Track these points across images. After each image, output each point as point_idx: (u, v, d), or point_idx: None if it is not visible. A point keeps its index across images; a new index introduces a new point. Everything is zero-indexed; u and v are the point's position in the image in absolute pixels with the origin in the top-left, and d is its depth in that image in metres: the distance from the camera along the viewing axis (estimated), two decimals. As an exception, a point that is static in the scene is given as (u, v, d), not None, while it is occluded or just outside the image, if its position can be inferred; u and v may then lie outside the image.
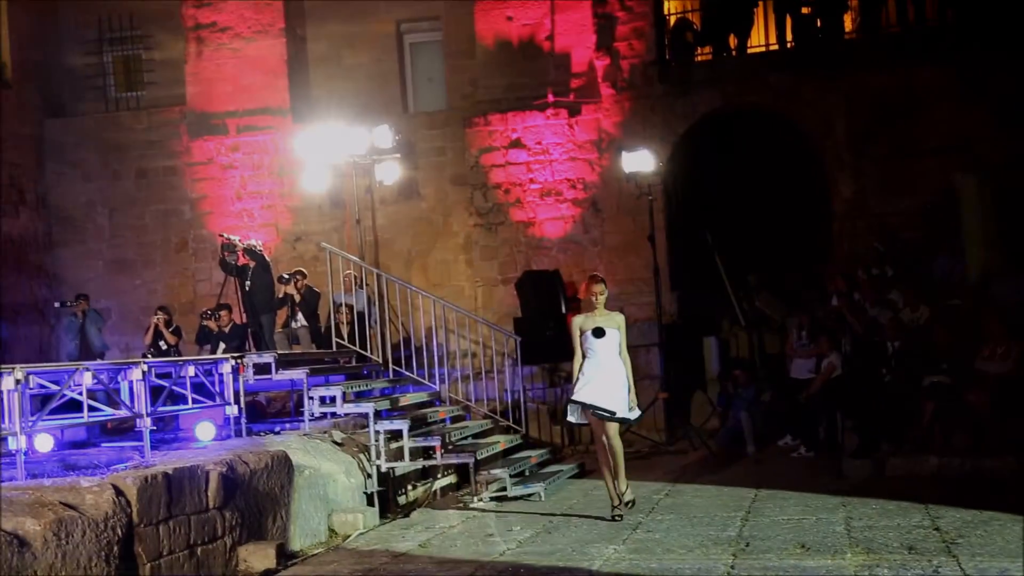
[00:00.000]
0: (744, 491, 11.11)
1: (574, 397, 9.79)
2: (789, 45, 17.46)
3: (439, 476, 12.63)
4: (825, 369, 13.77)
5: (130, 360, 11.31)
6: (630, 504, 10.03)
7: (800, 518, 9.47)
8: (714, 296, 17.30)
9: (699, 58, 17.94)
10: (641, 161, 15.62)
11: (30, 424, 8.63)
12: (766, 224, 17.46)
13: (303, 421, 12.21)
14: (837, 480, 11.61)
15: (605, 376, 9.70)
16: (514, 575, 8.00)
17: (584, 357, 9.84)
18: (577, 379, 9.82)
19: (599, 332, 9.72)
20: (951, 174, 15.69)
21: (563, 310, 16.74)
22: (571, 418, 10.02)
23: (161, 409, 10.44)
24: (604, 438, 9.80)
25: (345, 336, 14.26)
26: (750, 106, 17.27)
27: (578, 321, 9.95)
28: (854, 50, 16.91)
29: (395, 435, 11.98)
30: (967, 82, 16.12)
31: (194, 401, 10.96)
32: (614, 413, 9.68)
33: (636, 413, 9.96)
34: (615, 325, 9.83)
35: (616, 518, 9.77)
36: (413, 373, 14.24)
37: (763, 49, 17.83)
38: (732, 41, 17.78)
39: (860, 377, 13.25)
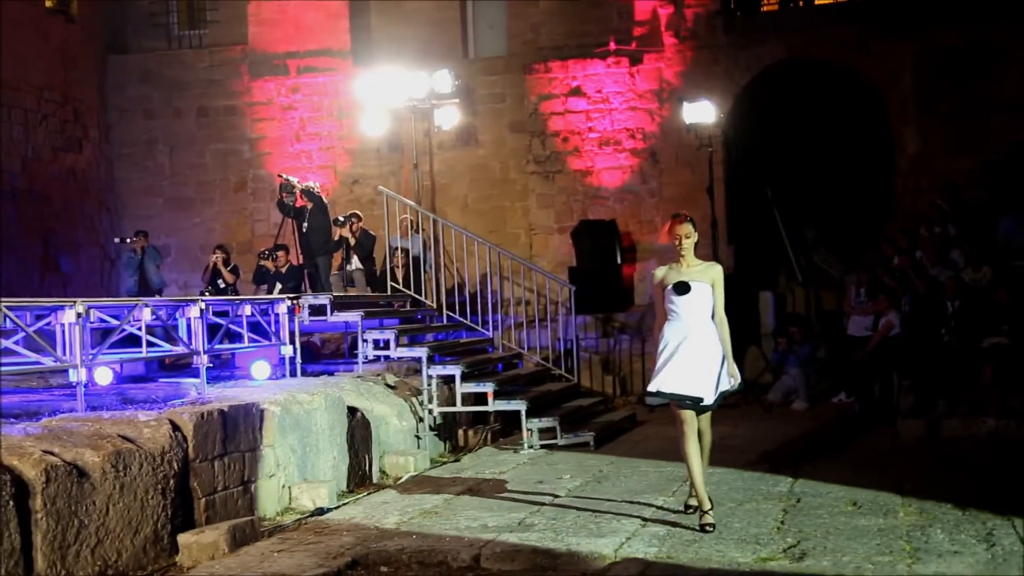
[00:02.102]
0: (796, 447, 11.05)
1: (651, 387, 7.57)
2: (857, -3, 17.14)
3: (490, 422, 12.67)
4: (882, 327, 13.62)
5: (188, 297, 11.42)
6: (707, 527, 7.44)
7: (852, 476, 9.39)
8: (771, 251, 17.13)
9: (765, 8, 17.68)
10: (702, 112, 15.48)
11: (90, 357, 8.76)
12: (827, 179, 17.23)
13: (357, 363, 12.29)
14: (891, 439, 11.52)
15: (691, 347, 7.47)
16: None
17: (667, 320, 7.66)
18: (660, 352, 7.63)
19: (682, 288, 7.51)
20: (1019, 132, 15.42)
21: (618, 260, 16.69)
22: (651, 401, 7.85)
23: (218, 347, 10.56)
24: (689, 427, 7.59)
25: (400, 280, 14.30)
26: (815, 58, 16.98)
27: (659, 273, 7.77)
28: (925, 3, 16.53)
29: (448, 380, 12.04)
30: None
31: (250, 340, 11.07)
32: (701, 400, 7.47)
33: (736, 381, 7.73)
34: (707, 279, 7.59)
35: (706, 528, 7.41)
36: (467, 319, 14.26)
37: (830, 0, 17.49)
38: (799, -9, 17.50)
39: (918, 336, 13.10)
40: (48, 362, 8.45)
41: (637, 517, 7.99)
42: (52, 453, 6.81)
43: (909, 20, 16.24)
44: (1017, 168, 15.22)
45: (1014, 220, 14.53)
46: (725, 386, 7.59)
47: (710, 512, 7.52)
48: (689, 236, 7.61)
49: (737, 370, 7.76)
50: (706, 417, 7.71)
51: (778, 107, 17.27)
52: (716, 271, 7.71)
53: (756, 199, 17.31)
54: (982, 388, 11.96)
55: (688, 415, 7.51)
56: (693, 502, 7.77)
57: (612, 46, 17.45)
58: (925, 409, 12.12)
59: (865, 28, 16.55)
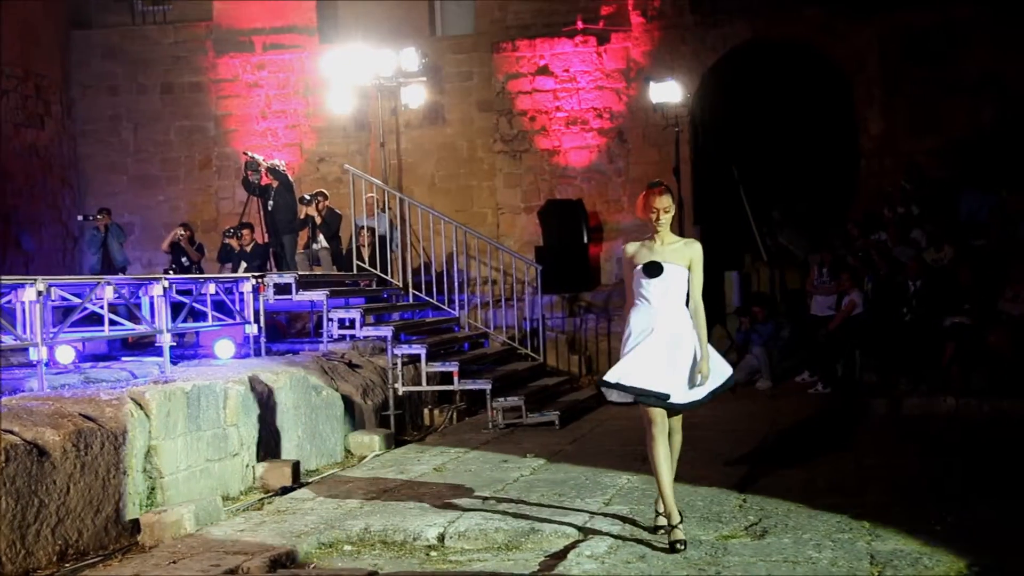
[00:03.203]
0: (758, 426, 11.12)
1: (608, 377, 6.47)
2: (823, -24, 17.19)
3: (456, 401, 12.69)
4: (845, 307, 13.72)
5: (151, 275, 11.36)
6: (678, 544, 6.45)
7: (814, 453, 9.47)
8: (737, 230, 17.20)
9: (731, -12, 17.67)
10: (669, 92, 15.50)
11: (51, 336, 8.69)
12: (792, 160, 17.32)
13: (322, 342, 12.27)
14: (853, 417, 11.61)
15: (661, 338, 6.46)
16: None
17: (634, 305, 6.65)
18: (624, 341, 6.62)
19: (653, 269, 6.49)
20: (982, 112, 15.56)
21: (585, 240, 16.72)
22: (611, 397, 6.65)
23: (181, 325, 10.50)
24: (657, 428, 6.52)
25: (366, 259, 14.28)
26: (781, 39, 17.03)
27: (630, 250, 6.71)
28: (889, -16, 16.63)
29: (413, 359, 12.04)
30: (1003, 19, 15.84)
31: (214, 319, 11.01)
32: (667, 397, 6.44)
33: (727, 376, 6.75)
34: (683, 260, 6.55)
35: (677, 546, 6.43)
36: (433, 298, 14.26)
37: (796, -19, 17.55)
38: (765, -29, 17.50)
39: (880, 316, 13.22)
40: (8, 340, 8.39)
41: (601, 495, 8.02)
42: (12, 432, 6.77)
43: (873, 1, 16.30)
44: (980, 148, 15.35)
45: (976, 199, 14.65)
46: (700, 391, 6.55)
47: (680, 527, 6.55)
48: (668, 210, 6.52)
49: (724, 364, 6.80)
50: (678, 418, 6.70)
51: (745, 87, 17.32)
52: (695, 250, 6.63)
53: (722, 179, 17.38)
54: (943, 367, 12.08)
55: (657, 414, 6.48)
56: (663, 521, 6.69)
57: (579, 25, 17.42)
58: (887, 388, 12.26)
59: (830, 9, 16.60)
